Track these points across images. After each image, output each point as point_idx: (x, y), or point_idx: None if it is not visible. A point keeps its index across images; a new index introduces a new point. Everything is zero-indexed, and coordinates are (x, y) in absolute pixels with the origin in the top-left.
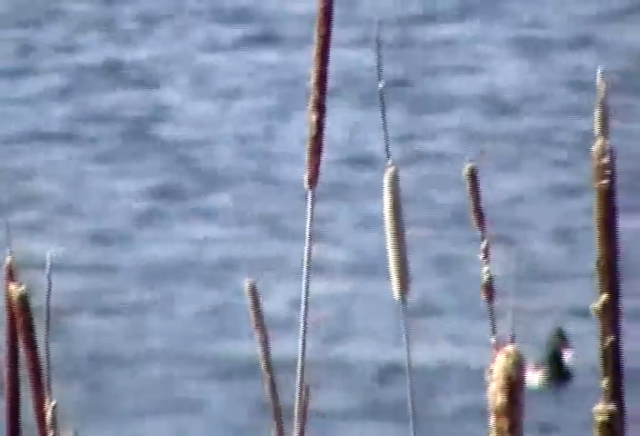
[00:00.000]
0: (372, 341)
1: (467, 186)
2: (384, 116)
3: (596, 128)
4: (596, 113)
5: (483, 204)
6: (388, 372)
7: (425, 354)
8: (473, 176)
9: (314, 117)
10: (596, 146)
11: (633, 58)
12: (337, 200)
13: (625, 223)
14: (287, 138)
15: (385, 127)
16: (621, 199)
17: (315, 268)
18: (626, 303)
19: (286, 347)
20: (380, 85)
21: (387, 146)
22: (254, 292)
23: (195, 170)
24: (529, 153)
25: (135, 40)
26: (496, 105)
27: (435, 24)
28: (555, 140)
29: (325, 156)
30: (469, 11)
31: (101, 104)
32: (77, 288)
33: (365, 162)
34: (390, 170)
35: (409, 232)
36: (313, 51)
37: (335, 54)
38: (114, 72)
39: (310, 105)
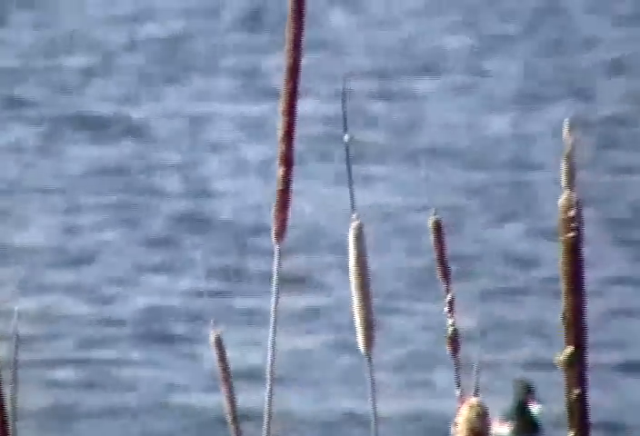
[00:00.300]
0: (355, 392)
1: (432, 239)
2: (349, 169)
3: (563, 181)
4: (563, 166)
5: (449, 257)
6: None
7: (417, 406)
8: (437, 229)
9: (281, 171)
10: (563, 199)
11: (621, 108)
12: (326, 251)
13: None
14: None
15: (350, 181)
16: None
17: (311, 318)
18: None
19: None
20: (345, 138)
21: (352, 201)
22: (219, 345)
23: (194, 221)
24: (514, 206)
25: (130, 93)
26: (480, 159)
27: (415, 77)
28: (539, 193)
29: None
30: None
31: (96, 157)
32: (56, 338)
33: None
34: (354, 225)
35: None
36: (280, 105)
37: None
38: (108, 124)
39: (277, 160)
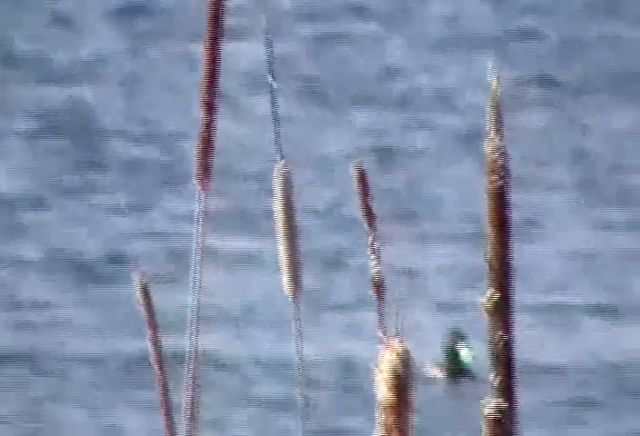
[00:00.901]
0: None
1: (355, 184)
2: (276, 113)
3: (489, 127)
4: (489, 112)
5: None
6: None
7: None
8: (361, 175)
9: (203, 116)
10: (489, 145)
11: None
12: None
13: None
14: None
15: (276, 125)
16: None
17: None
18: None
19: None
20: (270, 81)
21: (279, 144)
22: (145, 290)
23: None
24: None
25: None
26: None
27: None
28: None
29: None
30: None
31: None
32: None
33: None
34: (280, 169)
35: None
36: (202, 50)
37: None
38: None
39: (200, 105)
